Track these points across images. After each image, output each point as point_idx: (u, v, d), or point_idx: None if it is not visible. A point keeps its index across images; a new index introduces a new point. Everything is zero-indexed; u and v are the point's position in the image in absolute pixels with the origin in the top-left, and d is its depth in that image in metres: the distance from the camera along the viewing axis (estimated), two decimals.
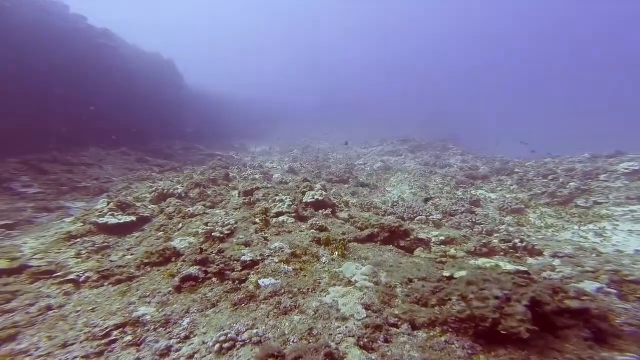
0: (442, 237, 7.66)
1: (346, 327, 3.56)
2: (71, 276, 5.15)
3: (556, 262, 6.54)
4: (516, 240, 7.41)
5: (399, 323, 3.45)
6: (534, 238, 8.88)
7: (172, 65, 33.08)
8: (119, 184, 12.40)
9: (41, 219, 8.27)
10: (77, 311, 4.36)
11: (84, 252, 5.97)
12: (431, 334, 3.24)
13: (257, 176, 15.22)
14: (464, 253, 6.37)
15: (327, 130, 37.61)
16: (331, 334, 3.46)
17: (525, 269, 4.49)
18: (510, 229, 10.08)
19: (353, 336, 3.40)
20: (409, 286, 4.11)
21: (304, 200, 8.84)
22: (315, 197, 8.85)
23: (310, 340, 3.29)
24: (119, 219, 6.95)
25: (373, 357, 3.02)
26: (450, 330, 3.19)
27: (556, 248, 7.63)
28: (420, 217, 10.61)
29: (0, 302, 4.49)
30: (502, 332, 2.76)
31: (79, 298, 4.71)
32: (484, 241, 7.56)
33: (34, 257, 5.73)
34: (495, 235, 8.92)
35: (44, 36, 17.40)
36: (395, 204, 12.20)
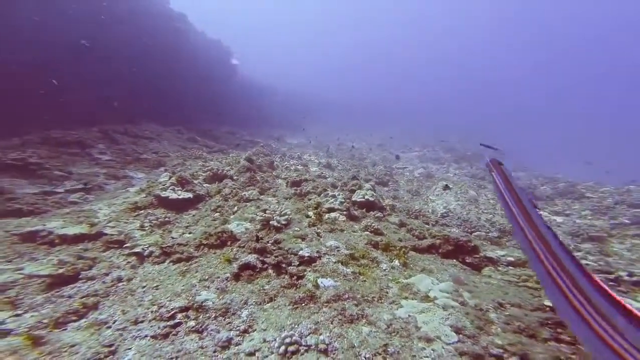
0: (510, 258, 6.77)
1: (433, 350, 3.12)
2: (137, 249, 5.34)
3: None
4: (622, 273, 6.24)
5: (505, 356, 2.92)
6: (636, 271, 7.51)
7: (229, 52, 34.34)
8: (174, 159, 13.05)
9: (110, 187, 8.91)
10: (144, 287, 4.47)
11: (147, 225, 6.21)
12: None
13: (299, 167, 15.10)
14: None
15: (364, 130, 36.45)
16: (414, 356, 3.04)
17: None
18: (591, 257, 8.69)
19: None
20: (506, 312, 3.51)
21: (353, 199, 8.42)
22: (366, 197, 8.38)
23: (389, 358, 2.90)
24: (179, 195, 7.15)
25: None
26: None
27: None
28: (479, 232, 9.66)
29: (84, 268, 4.78)
30: None
31: (144, 273, 4.85)
32: None
33: (108, 224, 6.08)
34: (585, 263, 7.73)
35: (136, 21, 19.23)
36: (445, 215, 11.28)
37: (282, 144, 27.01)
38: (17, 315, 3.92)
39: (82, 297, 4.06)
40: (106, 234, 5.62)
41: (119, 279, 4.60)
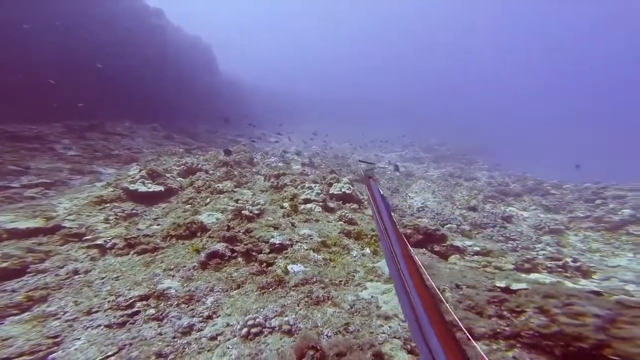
0: (476, 248, 7.01)
1: (390, 327, 3.15)
2: (99, 241, 5.08)
3: (630, 286, 5.74)
4: (568, 259, 6.61)
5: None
6: (584, 260, 8.00)
7: (210, 50, 33.60)
8: (148, 155, 12.57)
9: (75, 182, 8.44)
10: (102, 278, 4.24)
11: (112, 217, 5.92)
12: (493, 347, 2.75)
13: (280, 164, 14.99)
14: (513, 266, 5.72)
15: (347, 130, 36.73)
16: (372, 332, 3.06)
17: (598, 289, 3.84)
18: (549, 248, 9.21)
19: (399, 338, 2.98)
20: (460, 292, 3.61)
21: (330, 192, 8.46)
22: (343, 190, 8.43)
23: (347, 337, 2.91)
24: (149, 188, 6.89)
25: None
26: (521, 345, 2.68)
27: (611, 273, 6.77)
28: (450, 225, 9.98)
29: (35, 262, 4.47)
30: (612, 357, 2.24)
31: (105, 265, 4.62)
32: (528, 256, 6.85)
33: (67, 217, 5.74)
34: (536, 252, 8.13)
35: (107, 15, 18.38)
36: (420, 209, 11.60)
37: (265, 144, 26.72)
38: None
39: (28, 291, 3.79)
40: (64, 227, 5.30)
41: (75, 272, 4.34)
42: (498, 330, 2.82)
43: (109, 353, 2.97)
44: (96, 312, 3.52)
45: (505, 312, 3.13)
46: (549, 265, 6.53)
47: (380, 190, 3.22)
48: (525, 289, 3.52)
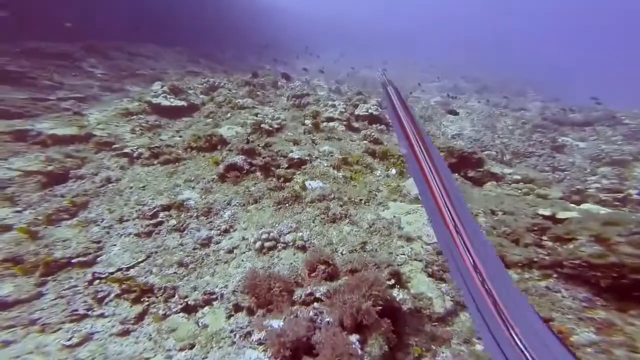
0: (517, 177, 6.17)
1: (412, 248, 2.93)
2: (126, 150, 5.20)
3: None
4: (632, 191, 5.64)
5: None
6: None
7: None
8: (173, 76, 12.22)
9: (104, 98, 8.56)
10: (131, 188, 4.42)
11: (138, 128, 5.98)
12: (526, 276, 2.43)
13: (305, 88, 13.85)
14: (561, 193, 5.00)
15: (387, 57, 31.92)
16: (391, 253, 2.88)
17: None
18: (605, 181, 7.91)
19: (420, 260, 2.77)
20: (495, 218, 3.18)
21: (356, 113, 7.66)
22: (370, 111, 7.57)
23: (364, 255, 2.75)
24: (171, 102, 6.73)
25: (445, 288, 2.40)
26: (557, 276, 2.33)
27: None
28: (489, 152, 8.91)
29: (73, 167, 4.75)
30: None
31: (132, 174, 4.78)
32: (578, 187, 5.96)
33: (97, 127, 5.90)
34: (588, 184, 7.05)
35: None
36: (455, 137, 10.39)
37: (293, 71, 24.76)
38: (16, 212, 4.04)
39: (73, 197, 4.08)
40: (95, 136, 5.46)
41: (108, 180, 4.56)
42: (535, 259, 2.45)
43: (140, 259, 3.19)
44: (127, 220, 3.74)
45: (547, 241, 2.69)
46: (603, 198, 5.68)
47: (402, 96, 2.57)
48: (575, 217, 2.98)
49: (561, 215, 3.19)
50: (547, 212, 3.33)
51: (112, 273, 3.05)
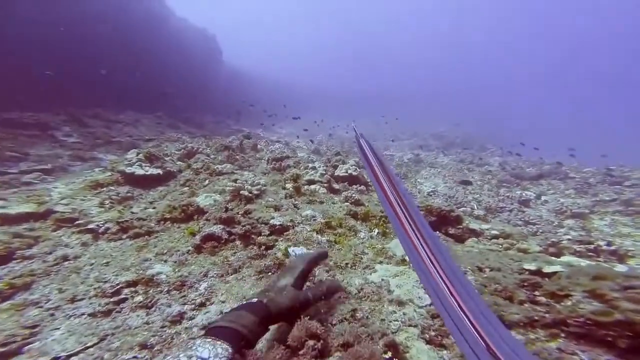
0: (494, 232, 6.47)
1: (404, 313, 2.74)
2: (91, 225, 4.81)
3: None
4: (600, 242, 6.02)
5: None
6: (627, 243, 7.30)
7: (215, 41, 32.82)
8: (150, 142, 12.32)
9: (75, 168, 8.24)
10: (92, 264, 3.97)
11: (107, 201, 5.65)
12: (531, 336, 2.30)
13: (285, 150, 14.53)
14: (540, 248, 5.19)
15: (354, 122, 35.46)
16: (384, 320, 2.66)
17: None
18: (573, 233, 8.53)
19: (415, 326, 2.57)
20: (483, 275, 3.16)
21: (336, 174, 8.01)
22: (349, 171, 7.96)
23: (355, 325, 2.51)
24: (146, 171, 6.58)
25: (447, 356, 2.19)
26: (566, 335, 2.23)
27: None
28: (464, 208, 9.39)
29: (22, 248, 4.24)
30: None
31: (96, 250, 4.34)
32: (553, 239, 6.29)
33: (60, 202, 5.51)
34: (560, 236, 7.52)
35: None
36: (431, 194, 11.01)
37: (272, 133, 26.19)
38: None
39: (11, 279, 3.54)
40: (57, 212, 5.05)
41: (65, 258, 4.07)
42: (536, 317, 2.37)
43: (89, 344, 2.67)
44: (81, 300, 3.24)
45: (540, 297, 2.66)
46: (578, 250, 5.97)
47: (374, 148, 2.79)
48: (561, 271, 3.04)
49: (546, 269, 3.24)
50: (532, 267, 3.38)
51: None
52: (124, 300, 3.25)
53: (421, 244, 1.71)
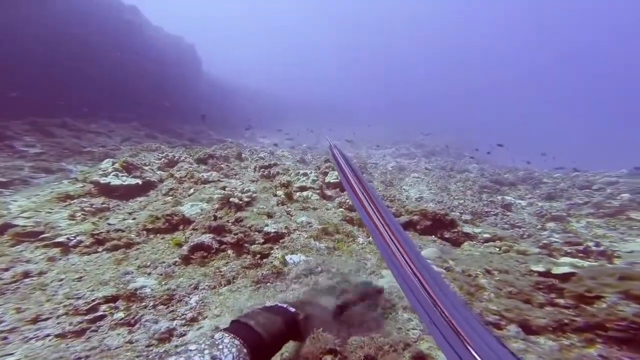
0: (486, 235, 6.59)
1: (421, 321, 2.58)
2: (60, 239, 4.28)
3: None
4: (590, 243, 6.26)
5: (503, 324, 2.44)
6: (606, 244, 7.64)
7: (193, 50, 32.39)
8: (126, 152, 11.59)
9: (39, 180, 7.50)
10: (61, 280, 3.48)
11: (79, 213, 5.11)
12: (565, 342, 2.20)
13: (271, 158, 14.27)
14: (538, 249, 5.28)
15: (345, 130, 36.17)
16: (400, 329, 2.47)
17: None
18: (556, 235, 8.92)
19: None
20: (495, 278, 3.09)
21: (327, 180, 7.91)
22: (339, 178, 7.88)
23: (375, 335, 2.31)
24: (123, 181, 6.08)
25: None
26: (604, 340, 2.14)
27: (631, 258, 6.46)
28: (453, 213, 9.59)
29: None
30: None
31: (65, 265, 3.84)
32: (544, 241, 6.49)
33: (21, 215, 4.89)
34: (547, 238, 7.82)
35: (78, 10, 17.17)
36: (419, 199, 11.22)
37: (255, 143, 25.79)
38: None
39: None
40: (16, 226, 4.46)
41: (25, 274, 3.55)
42: (565, 320, 2.28)
43: None
44: (46, 319, 2.78)
45: (559, 300, 2.60)
46: (568, 251, 6.15)
47: (346, 157, 2.91)
48: (572, 272, 3.02)
49: (555, 270, 3.22)
50: (540, 268, 3.36)
51: None
52: (102, 317, 2.83)
53: (392, 239, 1.75)
